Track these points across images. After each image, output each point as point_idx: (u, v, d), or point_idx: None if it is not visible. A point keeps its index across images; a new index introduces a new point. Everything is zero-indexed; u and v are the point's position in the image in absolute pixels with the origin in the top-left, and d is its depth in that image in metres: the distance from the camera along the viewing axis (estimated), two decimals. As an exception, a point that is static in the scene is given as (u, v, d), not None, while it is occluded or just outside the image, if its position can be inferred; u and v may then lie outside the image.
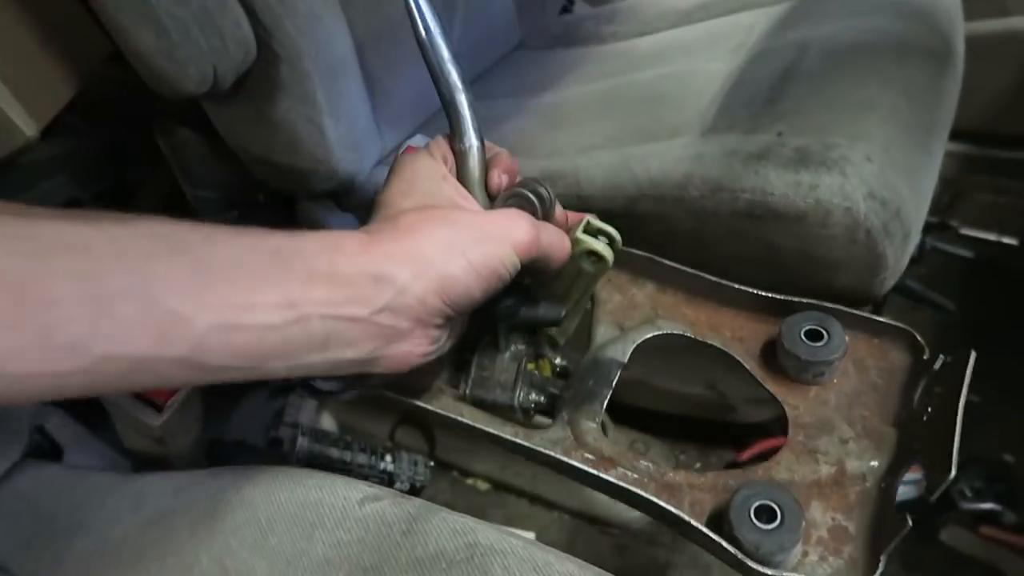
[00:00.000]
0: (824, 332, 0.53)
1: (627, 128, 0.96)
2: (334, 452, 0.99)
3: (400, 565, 0.47)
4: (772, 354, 0.55)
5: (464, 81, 0.48)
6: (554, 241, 0.46)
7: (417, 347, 0.43)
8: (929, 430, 0.49)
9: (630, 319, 0.60)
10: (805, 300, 0.56)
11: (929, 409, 0.50)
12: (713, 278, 0.59)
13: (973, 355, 0.49)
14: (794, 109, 0.84)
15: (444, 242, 0.41)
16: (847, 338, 0.53)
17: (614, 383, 0.55)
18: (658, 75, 1.08)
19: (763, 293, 0.58)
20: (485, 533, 0.48)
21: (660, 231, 0.80)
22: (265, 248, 0.38)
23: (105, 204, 1.03)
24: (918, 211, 0.79)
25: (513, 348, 0.55)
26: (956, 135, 1.54)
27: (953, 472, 0.44)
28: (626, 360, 0.56)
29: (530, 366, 0.55)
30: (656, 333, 0.58)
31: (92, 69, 0.74)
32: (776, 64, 0.98)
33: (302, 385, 1.05)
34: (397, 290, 0.40)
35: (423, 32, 0.47)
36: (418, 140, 0.91)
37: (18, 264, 0.30)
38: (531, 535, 0.86)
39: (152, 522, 0.54)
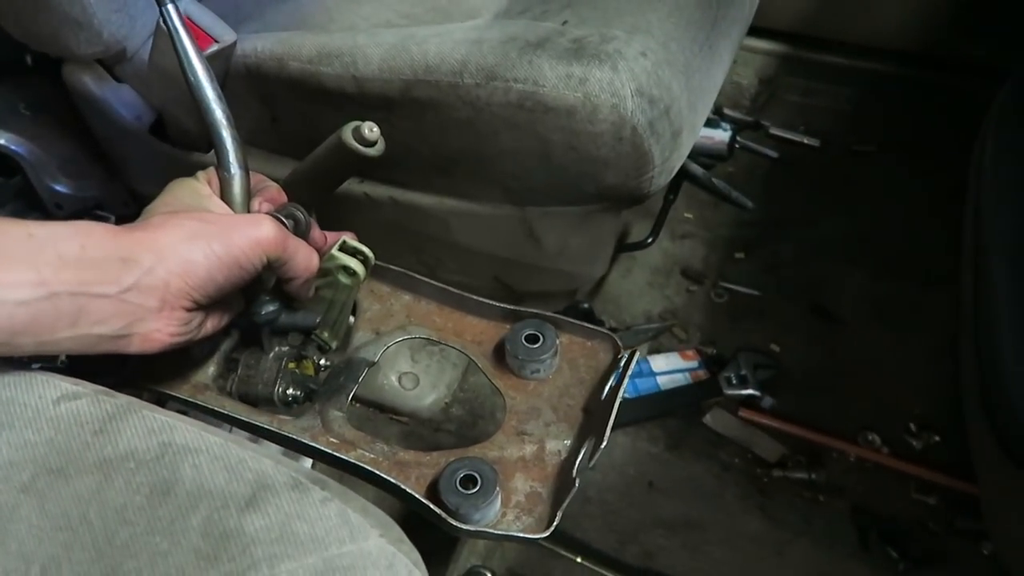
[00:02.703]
0: (540, 336, 0.62)
1: (425, 5, 0.92)
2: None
3: (86, 465, 0.44)
4: (503, 355, 0.63)
5: (228, 116, 0.54)
6: (300, 250, 0.51)
7: (166, 327, 0.46)
8: (601, 411, 0.58)
9: (385, 325, 0.67)
10: (531, 310, 0.65)
11: (604, 396, 0.59)
12: (459, 292, 0.67)
13: (637, 354, 0.60)
14: (585, -4, 0.82)
15: (189, 232, 0.46)
16: (559, 341, 0.62)
17: (360, 379, 0.62)
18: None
19: (498, 304, 0.66)
20: (183, 431, 0.46)
21: (437, 121, 0.77)
22: (19, 233, 0.41)
23: None
24: (693, 110, 0.80)
25: (277, 350, 0.60)
26: (773, 35, 1.59)
27: (605, 443, 0.54)
28: (376, 360, 0.64)
29: (291, 365, 0.61)
30: (406, 337, 0.66)
31: None
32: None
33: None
34: (144, 271, 0.44)
35: (191, 74, 0.53)
36: (187, 4, 0.83)
37: None
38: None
39: None
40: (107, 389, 0.50)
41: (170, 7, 0.54)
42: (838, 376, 1.06)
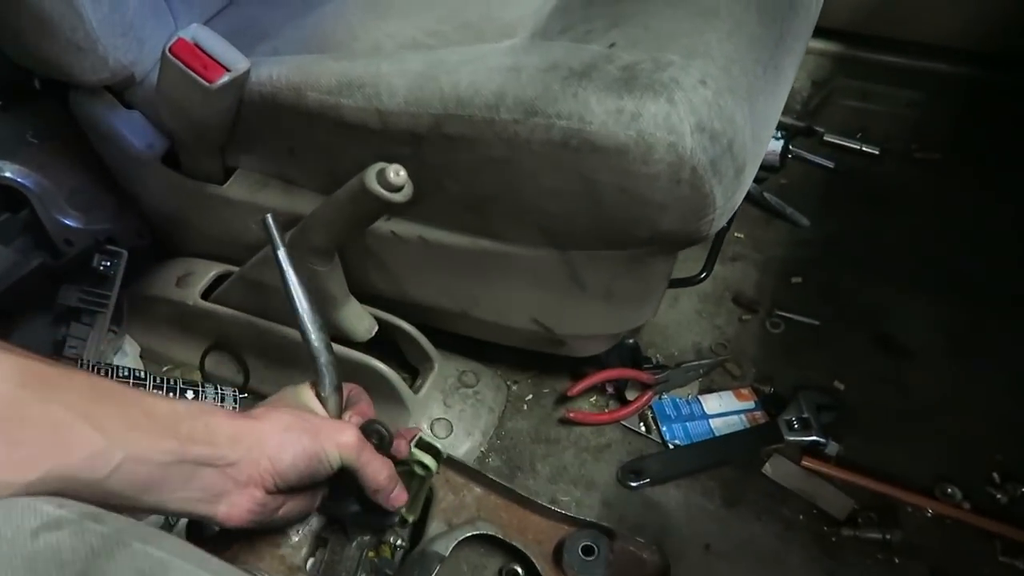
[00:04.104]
0: (595, 548, 0.73)
1: (454, 21, 0.83)
2: (122, 390, 0.88)
3: (63, 619, 0.38)
4: (561, 555, 0.73)
5: (327, 344, 0.60)
6: (372, 463, 0.58)
7: (246, 502, 0.53)
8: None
9: (458, 517, 0.74)
10: (589, 520, 0.75)
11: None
12: (522, 493, 0.75)
13: None
14: (634, 13, 0.73)
15: (284, 424, 0.54)
16: (612, 550, 0.74)
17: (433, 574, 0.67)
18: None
19: (559, 511, 0.76)
20: (179, 571, 0.39)
21: (470, 159, 0.69)
22: (165, 408, 0.50)
23: None
24: (756, 140, 0.71)
25: (359, 539, 0.66)
26: (829, 34, 1.49)
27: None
28: (447, 554, 0.69)
29: (371, 554, 0.67)
30: (475, 532, 0.72)
31: None
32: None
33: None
34: (245, 449, 0.52)
35: (300, 312, 0.60)
36: (196, 30, 0.76)
37: None
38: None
39: None
40: (95, 511, 0.43)
41: (279, 248, 0.61)
42: (909, 418, 0.96)
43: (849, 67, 1.46)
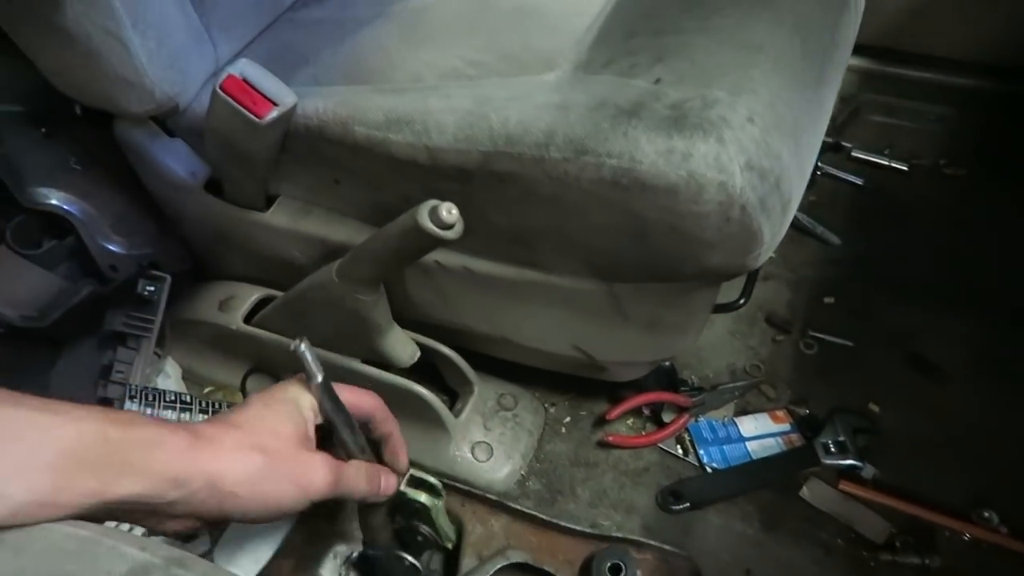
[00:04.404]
0: (623, 565, 0.77)
1: (494, 50, 0.84)
2: (169, 415, 0.89)
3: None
4: (589, 572, 0.77)
5: (358, 442, 0.63)
6: (350, 483, 0.58)
7: (174, 526, 0.50)
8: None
9: (488, 548, 0.77)
10: (615, 536, 0.80)
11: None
12: (549, 519, 0.81)
13: None
14: (677, 47, 0.74)
15: (246, 472, 0.51)
16: (639, 560, 0.79)
17: None
18: (537, -19, 0.95)
19: (584, 530, 0.81)
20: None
21: (518, 195, 0.70)
22: (95, 436, 0.45)
23: None
24: (801, 174, 0.72)
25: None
26: (856, 49, 1.48)
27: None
28: None
29: None
30: (506, 563, 0.75)
31: None
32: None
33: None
34: (188, 492, 0.48)
35: (347, 439, 0.61)
36: (244, 66, 0.77)
37: None
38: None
39: None
40: (180, 556, 0.45)
41: (314, 378, 0.59)
42: (945, 440, 0.97)
43: (876, 82, 1.47)
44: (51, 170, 0.95)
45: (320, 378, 0.58)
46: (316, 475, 0.54)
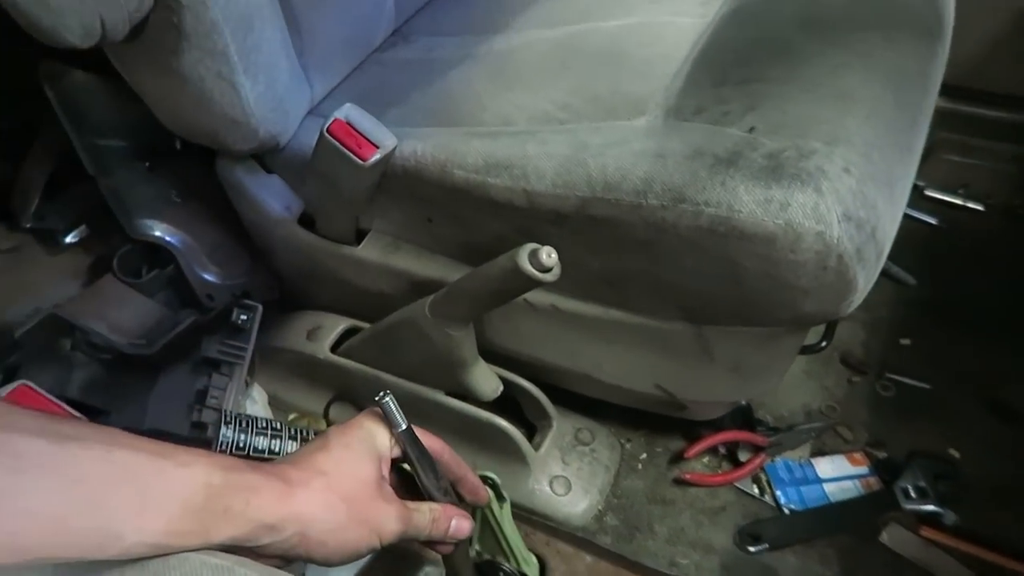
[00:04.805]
0: None
1: (583, 94, 0.86)
2: (261, 441, 0.93)
3: None
4: None
5: (440, 486, 0.65)
6: (420, 525, 0.61)
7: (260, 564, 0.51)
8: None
9: None
10: None
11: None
12: (632, 558, 0.83)
13: None
14: (767, 95, 0.75)
15: (333, 520, 0.54)
16: None
17: None
18: (621, 26, 0.97)
19: (667, 572, 0.84)
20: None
21: (612, 239, 0.72)
22: (199, 483, 0.48)
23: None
24: (894, 220, 0.73)
25: None
26: (931, 88, 1.48)
27: None
28: None
29: None
30: None
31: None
32: (749, 28, 0.88)
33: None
34: (281, 538, 0.51)
35: (421, 471, 0.64)
36: (348, 110, 0.80)
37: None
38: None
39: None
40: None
41: (399, 427, 0.62)
42: (1028, 489, 0.96)
43: (950, 121, 1.45)
44: (155, 202, 1.00)
45: (404, 426, 0.61)
46: (389, 521, 0.57)
